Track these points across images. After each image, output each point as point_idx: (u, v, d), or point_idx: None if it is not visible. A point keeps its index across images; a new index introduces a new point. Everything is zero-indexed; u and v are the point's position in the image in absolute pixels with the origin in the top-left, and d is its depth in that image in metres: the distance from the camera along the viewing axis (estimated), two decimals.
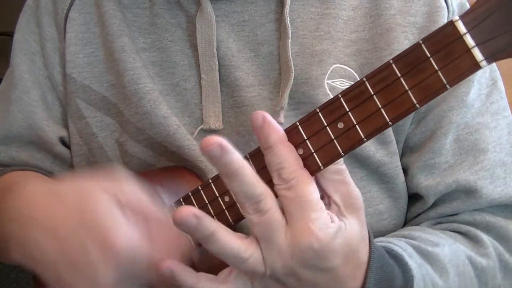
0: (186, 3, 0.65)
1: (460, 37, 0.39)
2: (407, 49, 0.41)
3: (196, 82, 0.65)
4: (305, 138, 0.44)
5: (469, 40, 0.39)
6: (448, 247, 0.59)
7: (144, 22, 0.67)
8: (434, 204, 0.65)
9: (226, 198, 0.49)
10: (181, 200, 0.53)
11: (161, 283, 0.48)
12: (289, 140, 0.45)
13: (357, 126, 0.43)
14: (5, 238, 0.53)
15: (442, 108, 0.63)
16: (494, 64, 0.68)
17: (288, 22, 0.62)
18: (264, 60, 0.64)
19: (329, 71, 0.62)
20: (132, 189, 0.49)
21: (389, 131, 0.63)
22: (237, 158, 0.43)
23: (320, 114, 0.44)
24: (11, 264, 0.54)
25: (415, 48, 0.41)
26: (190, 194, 0.52)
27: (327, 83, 0.62)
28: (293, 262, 0.44)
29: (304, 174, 0.44)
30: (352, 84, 0.43)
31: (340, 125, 0.44)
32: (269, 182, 0.45)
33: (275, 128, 0.44)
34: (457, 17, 0.39)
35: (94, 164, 0.69)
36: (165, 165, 0.65)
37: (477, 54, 0.39)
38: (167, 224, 0.47)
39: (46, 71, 0.70)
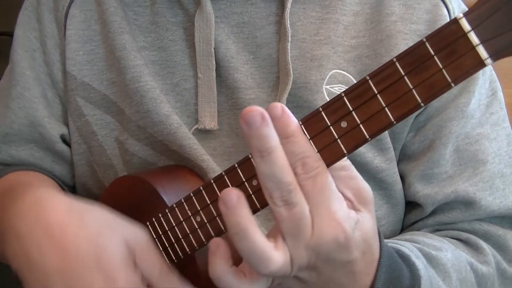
0: (186, 2, 0.65)
1: (464, 34, 0.38)
2: (410, 47, 0.41)
3: (195, 83, 0.64)
4: (308, 137, 0.44)
5: (474, 38, 0.38)
6: (451, 252, 0.58)
7: (144, 21, 0.66)
8: (433, 213, 0.65)
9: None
10: (183, 200, 0.52)
11: None
12: None
13: (361, 125, 0.42)
14: (2, 230, 0.53)
15: (442, 118, 0.63)
16: (494, 74, 0.68)
17: (289, 25, 0.62)
18: (263, 62, 0.63)
19: (328, 76, 0.62)
20: (153, 256, 0.52)
21: (386, 137, 0.63)
22: (275, 135, 0.41)
23: (323, 113, 0.43)
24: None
25: (419, 46, 0.40)
26: (191, 194, 0.51)
27: (326, 88, 0.62)
28: (317, 256, 0.43)
29: (324, 164, 0.43)
30: (355, 83, 0.43)
31: (344, 124, 0.43)
32: None
33: (293, 118, 0.43)
34: (461, 15, 0.39)
35: (94, 162, 0.69)
36: (166, 164, 0.65)
37: (482, 52, 0.38)
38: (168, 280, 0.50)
39: (46, 68, 0.70)
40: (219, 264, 0.45)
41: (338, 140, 0.43)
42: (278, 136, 0.42)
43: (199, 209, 0.51)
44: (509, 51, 0.38)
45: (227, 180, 0.48)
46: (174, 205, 0.53)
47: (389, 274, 0.47)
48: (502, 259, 0.63)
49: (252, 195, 0.47)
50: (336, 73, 0.62)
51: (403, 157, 0.65)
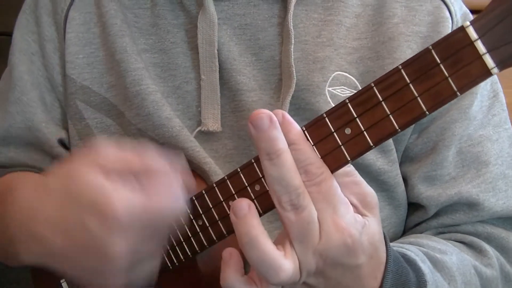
0: (188, 4, 0.64)
1: (471, 43, 0.38)
2: (416, 55, 0.40)
3: (197, 85, 0.64)
4: (312, 144, 0.43)
5: (480, 47, 0.38)
6: (456, 255, 0.58)
7: (145, 23, 0.66)
8: (436, 214, 0.65)
9: (231, 203, 0.48)
10: None
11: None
12: None
13: (365, 132, 0.42)
14: (11, 243, 0.52)
15: (445, 120, 0.63)
16: (495, 76, 0.68)
17: (291, 27, 0.61)
18: (266, 64, 0.63)
19: (331, 78, 0.62)
20: (111, 151, 0.46)
21: (389, 139, 0.63)
22: (283, 138, 0.41)
23: (327, 119, 0.43)
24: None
25: (425, 53, 0.40)
26: (193, 198, 0.51)
27: (328, 90, 0.61)
28: (324, 261, 0.43)
29: (328, 170, 0.43)
30: (360, 90, 0.42)
31: (348, 131, 0.43)
32: None
33: (295, 124, 0.43)
34: (468, 23, 0.38)
35: None
36: None
37: (489, 60, 0.38)
38: (154, 170, 0.45)
39: (45, 72, 0.69)
40: (231, 274, 0.45)
41: (342, 146, 0.43)
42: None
43: (201, 212, 0.51)
44: None
45: (230, 185, 0.48)
46: None
47: (396, 279, 0.47)
48: (505, 261, 0.63)
49: (255, 200, 0.47)
50: (338, 75, 0.62)
51: (406, 159, 0.65)
